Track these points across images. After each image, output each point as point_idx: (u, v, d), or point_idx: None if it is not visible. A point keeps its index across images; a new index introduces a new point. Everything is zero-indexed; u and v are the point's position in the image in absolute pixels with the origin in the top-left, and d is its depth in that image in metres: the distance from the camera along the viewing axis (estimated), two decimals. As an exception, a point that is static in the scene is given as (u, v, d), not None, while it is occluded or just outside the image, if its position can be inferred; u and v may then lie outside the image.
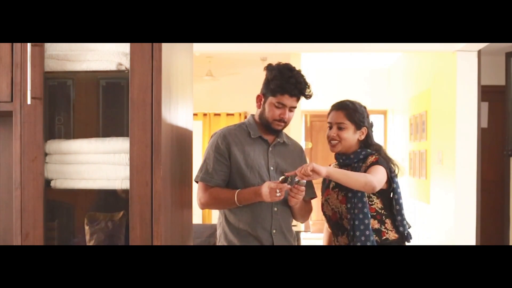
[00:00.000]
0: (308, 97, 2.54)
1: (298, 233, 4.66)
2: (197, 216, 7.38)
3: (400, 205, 2.61)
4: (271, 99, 2.51)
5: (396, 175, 2.62)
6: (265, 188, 2.38)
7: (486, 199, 5.54)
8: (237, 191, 2.46)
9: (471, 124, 5.23)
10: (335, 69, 8.59)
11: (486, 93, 5.49)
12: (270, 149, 2.57)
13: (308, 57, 7.33)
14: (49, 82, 1.94)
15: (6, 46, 1.85)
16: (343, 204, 2.58)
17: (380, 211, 2.58)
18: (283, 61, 2.59)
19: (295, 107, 2.55)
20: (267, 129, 2.56)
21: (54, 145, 1.91)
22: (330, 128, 2.67)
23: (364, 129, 2.65)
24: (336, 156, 2.70)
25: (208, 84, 7.56)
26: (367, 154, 2.62)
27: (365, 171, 2.55)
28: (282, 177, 2.39)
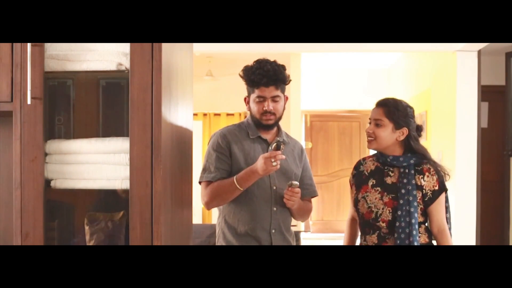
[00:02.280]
0: (287, 82, 2.54)
1: (298, 233, 4.65)
2: (197, 216, 7.37)
3: (450, 213, 2.57)
4: (252, 96, 2.55)
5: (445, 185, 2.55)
6: (260, 161, 2.37)
7: (486, 199, 5.54)
8: (235, 176, 2.45)
9: (471, 124, 5.23)
10: (335, 69, 8.58)
11: (486, 93, 5.49)
12: (270, 148, 2.57)
13: (308, 57, 7.32)
14: (49, 82, 1.94)
15: (6, 46, 1.85)
16: (388, 207, 2.48)
17: (418, 219, 2.50)
18: (284, 61, 2.60)
19: (278, 96, 2.52)
20: (260, 126, 2.57)
21: (54, 145, 1.91)
22: (370, 124, 2.58)
23: (404, 130, 2.51)
24: (380, 154, 2.58)
25: (208, 84, 7.56)
26: (418, 161, 2.52)
27: (423, 186, 2.48)
28: (274, 144, 2.37)
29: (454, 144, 5.32)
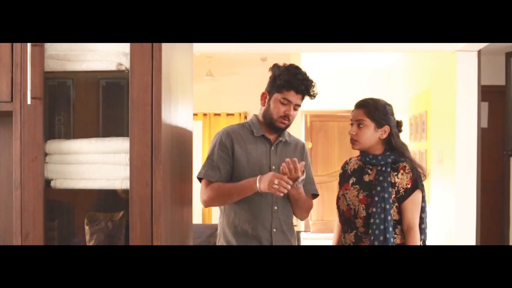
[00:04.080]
0: (313, 96, 2.55)
1: (298, 233, 4.66)
2: (197, 216, 7.38)
3: (426, 213, 2.57)
4: (276, 95, 2.51)
5: (423, 184, 2.56)
6: (267, 178, 2.35)
7: (486, 199, 5.54)
8: (258, 177, 2.40)
9: (471, 124, 5.23)
10: (335, 69, 8.58)
11: (486, 93, 5.49)
12: (273, 148, 2.57)
13: (308, 57, 7.32)
14: (49, 82, 1.94)
15: (6, 46, 1.85)
16: (362, 204, 2.54)
17: (393, 217, 2.51)
18: (283, 61, 2.60)
19: (299, 106, 2.54)
20: (271, 127, 2.56)
21: (54, 145, 1.91)
22: (352, 126, 2.63)
23: (386, 128, 2.58)
24: (362, 153, 2.64)
25: (208, 84, 7.56)
26: (396, 160, 2.56)
27: (396, 184, 2.50)
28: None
29: (454, 144, 5.32)
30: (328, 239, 8.28)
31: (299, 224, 4.94)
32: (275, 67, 2.56)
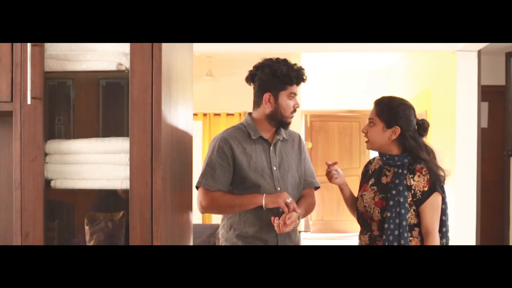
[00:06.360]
0: (304, 80, 2.56)
1: (298, 233, 4.65)
2: (197, 216, 7.37)
3: (447, 215, 2.50)
4: (283, 93, 2.48)
5: (443, 186, 2.50)
6: (275, 200, 2.42)
7: (486, 199, 5.54)
8: (264, 196, 2.45)
9: (471, 124, 5.23)
10: (335, 69, 8.58)
11: (486, 93, 5.49)
12: (271, 148, 2.56)
13: (308, 57, 7.32)
14: (49, 82, 1.94)
15: (6, 46, 1.85)
16: (377, 207, 2.47)
17: (410, 221, 2.45)
18: None
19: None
20: (281, 125, 2.54)
21: (54, 145, 1.91)
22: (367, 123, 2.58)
23: (396, 129, 2.48)
24: (379, 153, 2.57)
25: (208, 84, 7.56)
26: (413, 161, 2.48)
27: (412, 186, 2.43)
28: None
29: (454, 144, 5.32)
30: (328, 239, 8.31)
31: (299, 224, 4.94)
32: (259, 68, 2.50)
